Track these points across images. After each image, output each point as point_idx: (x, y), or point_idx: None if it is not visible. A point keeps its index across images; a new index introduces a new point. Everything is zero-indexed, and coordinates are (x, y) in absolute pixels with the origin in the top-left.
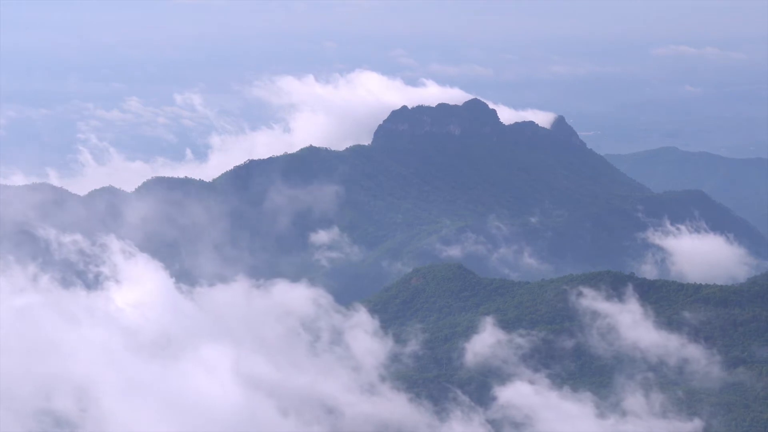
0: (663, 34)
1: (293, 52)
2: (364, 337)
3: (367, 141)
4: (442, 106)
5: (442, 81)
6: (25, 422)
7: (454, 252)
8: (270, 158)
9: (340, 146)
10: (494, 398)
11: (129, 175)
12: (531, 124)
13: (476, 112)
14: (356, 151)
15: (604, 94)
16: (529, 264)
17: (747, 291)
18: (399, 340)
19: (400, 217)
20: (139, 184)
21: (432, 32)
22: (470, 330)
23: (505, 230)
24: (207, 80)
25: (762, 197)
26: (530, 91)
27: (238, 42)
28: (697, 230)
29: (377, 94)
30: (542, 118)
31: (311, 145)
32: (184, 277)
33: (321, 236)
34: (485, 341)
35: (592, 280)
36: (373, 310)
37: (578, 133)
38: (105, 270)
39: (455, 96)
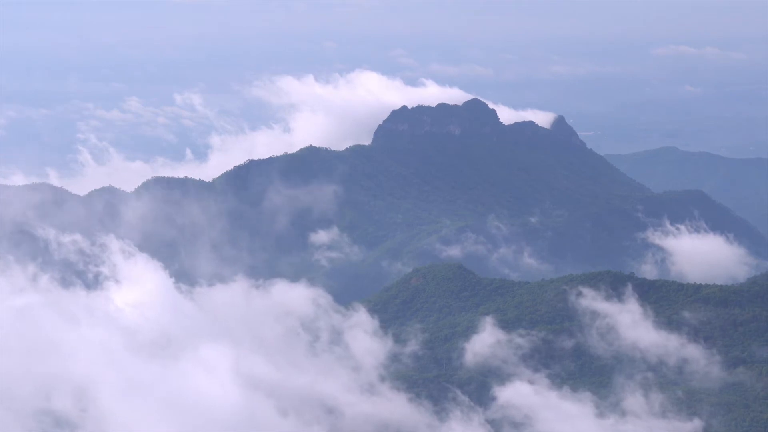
0: (663, 34)
1: (293, 52)
2: (364, 337)
3: (367, 141)
4: (442, 106)
5: (442, 81)
6: (25, 422)
7: (454, 252)
8: (270, 158)
9: (340, 146)
10: (494, 398)
11: (129, 175)
12: (531, 124)
13: (476, 112)
14: (356, 151)
15: (604, 94)
16: (529, 264)
17: (747, 291)
18: (399, 340)
19: (400, 217)
20: (139, 184)
21: (432, 32)
22: (470, 330)
23: (505, 230)
24: (207, 80)
25: (762, 197)
26: (530, 91)
27: (238, 42)
28: (697, 230)
29: (377, 94)
30: (542, 118)
31: (311, 145)
32: (184, 277)
33: (321, 236)
34: (485, 341)
35: (592, 280)
36: (372, 310)
37: (578, 133)
38: (104, 270)
39: (455, 96)
